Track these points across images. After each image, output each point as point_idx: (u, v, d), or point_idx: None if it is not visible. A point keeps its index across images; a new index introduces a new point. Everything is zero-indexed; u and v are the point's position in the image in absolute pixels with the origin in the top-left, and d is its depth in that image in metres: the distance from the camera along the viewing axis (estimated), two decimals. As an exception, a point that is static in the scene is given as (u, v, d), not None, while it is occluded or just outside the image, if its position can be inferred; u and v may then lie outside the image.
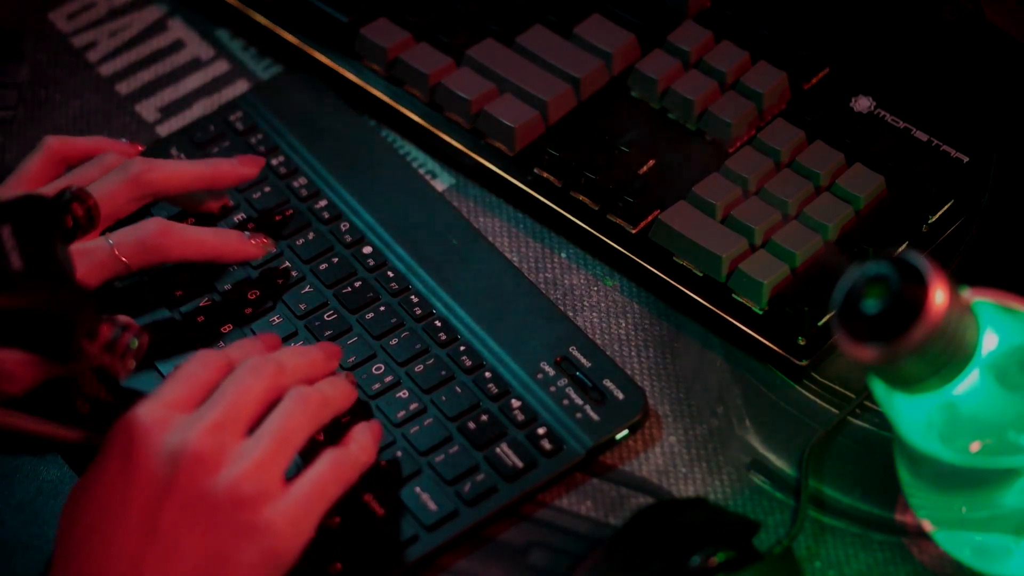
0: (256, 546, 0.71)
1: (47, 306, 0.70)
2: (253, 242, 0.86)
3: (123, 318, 0.75)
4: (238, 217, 0.90)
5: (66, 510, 0.72)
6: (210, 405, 0.73)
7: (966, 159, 0.89)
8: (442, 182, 0.94)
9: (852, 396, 0.83)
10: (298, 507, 0.72)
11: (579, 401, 0.82)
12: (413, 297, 0.87)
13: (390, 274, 0.88)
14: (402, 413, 0.82)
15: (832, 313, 0.71)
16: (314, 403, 0.75)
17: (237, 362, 0.76)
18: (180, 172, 0.86)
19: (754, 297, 0.85)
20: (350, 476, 0.75)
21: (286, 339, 0.85)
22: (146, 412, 0.72)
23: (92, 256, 0.81)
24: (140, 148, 0.89)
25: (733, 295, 0.85)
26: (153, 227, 0.83)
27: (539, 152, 0.92)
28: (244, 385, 0.74)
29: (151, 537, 0.70)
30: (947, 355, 0.69)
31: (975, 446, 0.72)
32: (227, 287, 0.87)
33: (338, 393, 0.78)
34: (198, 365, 0.76)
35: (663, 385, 0.85)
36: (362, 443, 0.77)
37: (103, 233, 0.84)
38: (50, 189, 0.84)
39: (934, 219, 0.87)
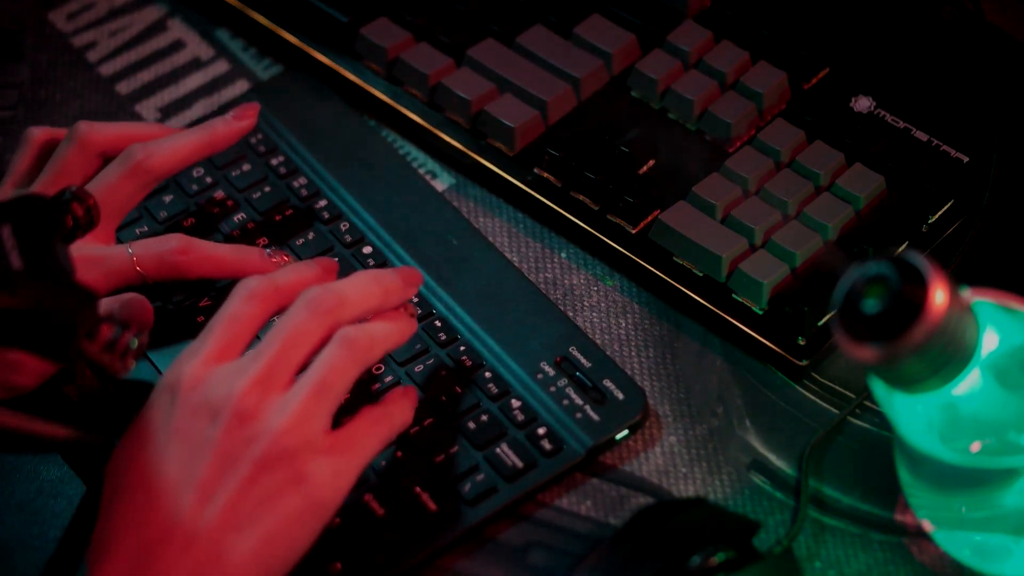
0: (298, 497, 0.71)
1: (47, 306, 0.70)
2: (274, 260, 0.85)
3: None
4: (238, 217, 0.91)
5: (109, 468, 0.72)
6: (257, 354, 0.72)
7: (966, 159, 0.89)
8: (442, 182, 0.94)
9: (852, 396, 0.83)
10: (339, 459, 0.72)
11: (579, 401, 0.82)
12: (413, 297, 0.87)
13: (390, 274, 0.88)
14: (402, 413, 0.82)
15: (832, 313, 0.71)
16: (360, 347, 0.73)
17: (285, 293, 0.75)
18: (179, 149, 0.85)
19: (754, 297, 0.85)
20: (388, 434, 0.75)
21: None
22: (188, 369, 0.72)
23: (110, 263, 0.82)
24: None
25: (733, 295, 0.85)
26: (175, 243, 0.83)
27: (539, 152, 0.92)
28: (297, 326, 0.73)
29: (190, 490, 0.70)
30: (947, 355, 0.69)
31: (975, 446, 0.72)
32: (227, 286, 0.87)
33: (390, 330, 0.76)
34: (241, 303, 0.74)
35: (663, 385, 0.85)
36: (401, 405, 0.77)
37: (119, 230, 0.86)
38: (50, 189, 0.84)
39: (934, 219, 0.87)
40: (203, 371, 0.72)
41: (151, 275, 0.83)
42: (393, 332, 0.76)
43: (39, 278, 0.70)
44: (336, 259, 0.84)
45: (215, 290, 0.87)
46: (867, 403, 0.83)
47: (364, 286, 0.76)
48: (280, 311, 0.75)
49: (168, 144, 0.85)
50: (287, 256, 0.86)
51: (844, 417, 0.83)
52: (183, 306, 0.86)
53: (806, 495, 0.80)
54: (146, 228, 0.90)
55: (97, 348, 0.72)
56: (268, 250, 0.85)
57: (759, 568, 0.75)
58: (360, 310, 0.75)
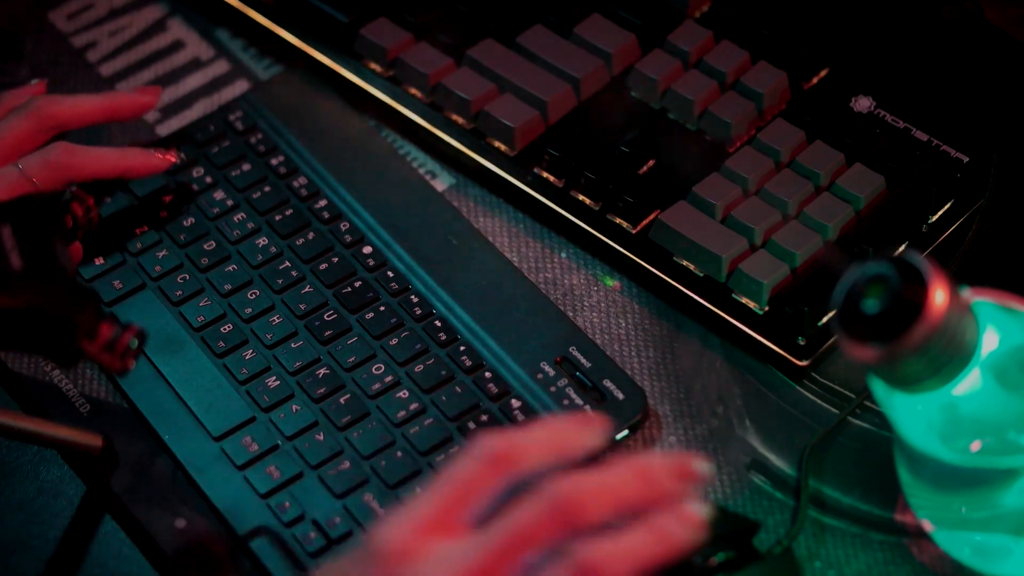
0: None
1: (47, 306, 0.70)
2: (158, 155, 0.89)
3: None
4: (238, 217, 0.91)
5: None
6: (485, 539, 0.61)
7: (966, 159, 0.89)
8: (442, 182, 0.94)
9: (852, 396, 0.83)
10: None
11: (579, 401, 0.82)
12: (413, 297, 0.87)
13: (390, 274, 0.88)
14: (402, 413, 0.82)
15: (832, 313, 0.71)
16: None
17: (527, 459, 0.63)
18: (81, 104, 0.89)
19: (754, 297, 0.85)
20: None
21: (285, 339, 0.85)
22: (397, 535, 0.61)
23: (1, 179, 0.83)
24: (43, 83, 0.92)
25: (733, 295, 0.85)
26: (58, 147, 0.86)
27: (539, 152, 0.92)
28: (528, 522, 0.60)
29: None
30: (947, 355, 0.69)
31: (975, 446, 0.72)
32: (227, 287, 0.87)
33: (646, 551, 0.61)
34: (473, 463, 0.63)
35: (663, 385, 0.85)
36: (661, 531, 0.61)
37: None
38: (33, 173, 0.84)
39: (934, 219, 0.87)
40: (414, 543, 0.61)
41: (43, 182, 0.85)
42: (643, 555, 0.61)
43: (39, 278, 0.70)
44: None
45: (215, 289, 0.87)
46: (867, 403, 0.83)
47: (608, 494, 0.62)
48: (519, 481, 0.62)
49: (71, 98, 0.89)
50: (173, 155, 0.90)
51: (844, 417, 0.83)
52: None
53: (806, 495, 0.80)
54: (164, 249, 0.90)
55: (97, 348, 0.72)
56: (152, 149, 0.89)
57: (759, 568, 0.75)
58: (600, 516, 0.61)
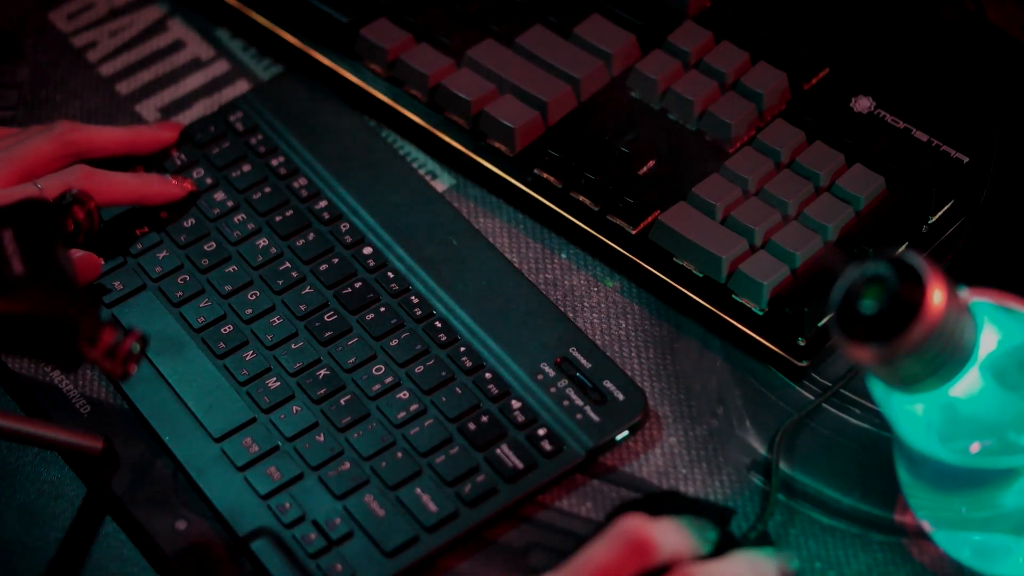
0: None
1: (48, 311, 0.70)
2: (175, 183, 0.90)
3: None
4: (238, 218, 0.91)
5: None
6: None
7: (966, 159, 0.89)
8: (442, 182, 0.94)
9: (853, 397, 0.83)
10: None
11: (579, 402, 0.82)
12: (413, 298, 0.87)
13: (390, 275, 0.88)
14: (402, 414, 0.82)
15: (832, 314, 0.71)
16: None
17: (665, 553, 0.71)
18: (103, 135, 0.90)
19: (754, 298, 0.85)
20: None
21: (286, 340, 0.85)
22: None
23: (19, 195, 0.83)
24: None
25: (733, 296, 0.85)
26: (78, 171, 0.87)
27: (539, 152, 0.92)
28: None
29: None
30: (945, 355, 0.69)
31: (975, 446, 0.72)
32: (228, 288, 0.87)
33: None
34: (613, 550, 0.71)
35: (663, 386, 0.85)
36: None
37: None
38: (51, 193, 0.84)
39: (934, 219, 0.87)
40: None
41: None
42: None
43: (40, 283, 0.70)
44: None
45: (216, 290, 0.87)
46: (866, 402, 0.83)
47: None
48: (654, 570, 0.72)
49: (94, 128, 0.90)
50: (190, 183, 0.91)
51: (818, 404, 0.83)
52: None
53: (776, 478, 0.80)
54: (164, 250, 0.90)
55: (99, 353, 0.72)
56: (169, 175, 0.90)
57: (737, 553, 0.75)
58: None
